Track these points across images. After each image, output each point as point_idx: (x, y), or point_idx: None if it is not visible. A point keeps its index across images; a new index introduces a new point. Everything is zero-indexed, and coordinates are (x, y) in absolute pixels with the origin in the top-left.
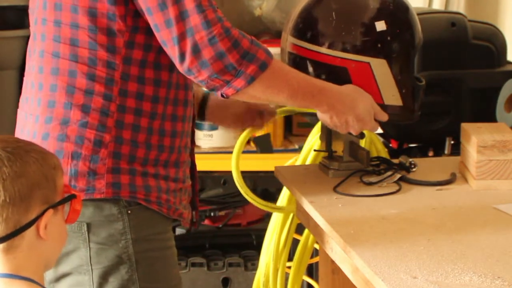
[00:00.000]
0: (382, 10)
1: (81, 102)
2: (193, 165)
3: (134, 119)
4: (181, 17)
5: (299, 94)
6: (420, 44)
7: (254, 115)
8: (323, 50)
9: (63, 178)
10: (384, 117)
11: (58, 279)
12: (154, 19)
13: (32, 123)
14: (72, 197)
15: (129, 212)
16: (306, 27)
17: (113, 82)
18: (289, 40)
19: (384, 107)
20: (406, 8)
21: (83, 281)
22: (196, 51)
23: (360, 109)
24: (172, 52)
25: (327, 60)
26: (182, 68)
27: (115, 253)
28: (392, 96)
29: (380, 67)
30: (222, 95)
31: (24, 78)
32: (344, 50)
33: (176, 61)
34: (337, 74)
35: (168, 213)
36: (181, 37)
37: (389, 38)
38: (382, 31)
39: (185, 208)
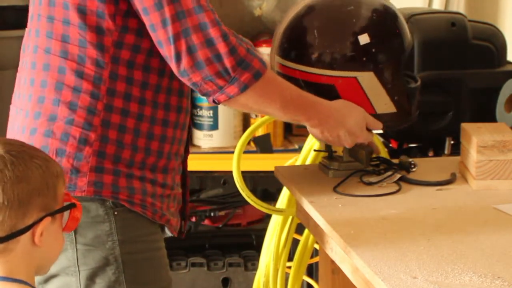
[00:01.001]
0: (364, 23)
1: (69, 99)
2: (185, 174)
3: (121, 119)
4: (178, 17)
5: (291, 106)
6: (409, 48)
7: None
8: (309, 69)
9: (64, 187)
10: (379, 126)
11: (46, 280)
12: (150, 19)
13: (22, 118)
14: (71, 206)
15: (115, 213)
16: (290, 46)
17: (101, 81)
18: (276, 59)
19: (377, 116)
20: (390, 15)
21: (70, 282)
22: (192, 51)
23: (351, 124)
24: (168, 52)
25: (313, 79)
26: (177, 68)
27: (102, 254)
28: (385, 104)
29: (368, 80)
30: (214, 101)
31: (17, 74)
32: (329, 67)
33: (171, 61)
34: (325, 92)
35: (154, 217)
36: (177, 37)
37: (374, 50)
38: (366, 44)
39: (173, 216)
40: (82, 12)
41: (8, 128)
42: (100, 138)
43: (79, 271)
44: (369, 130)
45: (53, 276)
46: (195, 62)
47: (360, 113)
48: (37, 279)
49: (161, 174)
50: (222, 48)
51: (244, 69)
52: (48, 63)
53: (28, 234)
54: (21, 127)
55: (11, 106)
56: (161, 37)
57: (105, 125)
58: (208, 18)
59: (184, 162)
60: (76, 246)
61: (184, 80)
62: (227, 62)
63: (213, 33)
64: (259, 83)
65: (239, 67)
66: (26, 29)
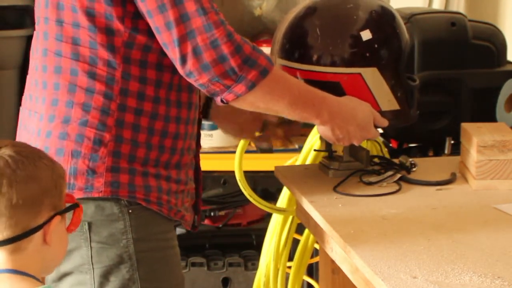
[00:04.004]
0: (365, 19)
1: (82, 100)
2: (197, 168)
3: (135, 119)
4: (182, 19)
5: (299, 102)
6: (407, 47)
7: (257, 125)
8: (313, 67)
9: (66, 188)
10: (384, 122)
11: (60, 278)
12: (154, 22)
13: (36, 121)
14: (75, 206)
15: (130, 211)
16: (293, 47)
17: (113, 81)
18: (278, 62)
19: (381, 113)
20: (389, 14)
21: (85, 280)
22: (198, 53)
23: (360, 118)
24: (173, 54)
25: (318, 77)
26: (183, 70)
27: (116, 252)
28: (388, 101)
29: (372, 76)
30: (222, 101)
31: (28, 76)
32: (333, 64)
33: (177, 63)
34: (330, 89)
35: (169, 214)
36: (182, 39)
37: (376, 46)
38: (368, 40)
39: (187, 211)
40: (90, 15)
41: (20, 130)
42: (114, 138)
43: (93, 268)
44: (375, 127)
45: (67, 274)
46: (201, 64)
47: (367, 107)
48: (51, 277)
49: (175, 170)
50: (227, 48)
51: (250, 67)
52: (60, 66)
53: (40, 233)
54: (36, 130)
55: (21, 108)
56: (166, 40)
57: (119, 125)
58: (212, 19)
59: (196, 156)
60: (90, 244)
61: (191, 81)
62: (233, 62)
63: (217, 33)
64: (266, 81)
65: (246, 65)
66: (34, 32)
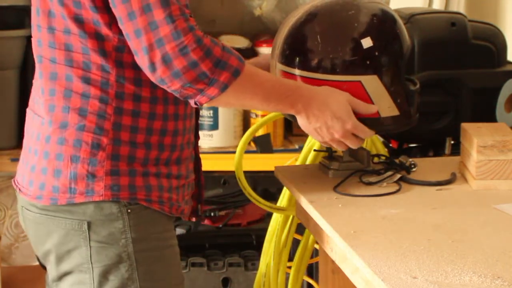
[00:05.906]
0: (366, 27)
1: (78, 105)
2: (197, 158)
3: (132, 121)
4: (150, 27)
5: (272, 96)
6: (408, 51)
7: None
8: (313, 74)
9: None
10: (370, 108)
11: (60, 277)
12: (125, 29)
13: (38, 125)
14: None
15: (129, 211)
16: (293, 53)
17: (108, 85)
18: (278, 67)
19: (381, 120)
20: (390, 19)
21: (84, 280)
22: (167, 61)
23: (334, 106)
24: (142, 62)
25: (318, 84)
26: (154, 77)
27: (115, 251)
28: (388, 107)
29: (372, 83)
30: (195, 103)
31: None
32: (333, 72)
33: (146, 71)
34: None
35: (170, 211)
36: (150, 48)
37: (377, 53)
38: (369, 48)
39: (186, 203)
40: (79, 21)
41: (25, 132)
42: (112, 142)
43: (92, 268)
44: (370, 127)
45: (67, 273)
46: (172, 72)
47: (343, 96)
48: (51, 277)
49: (176, 166)
50: (196, 54)
51: (222, 69)
52: (55, 72)
53: None
54: (36, 133)
55: (28, 109)
56: (136, 47)
57: (117, 128)
58: (180, 27)
59: (196, 148)
60: (89, 243)
61: (163, 87)
62: (204, 66)
63: (186, 41)
64: (238, 80)
65: (217, 68)
66: (32, 39)
